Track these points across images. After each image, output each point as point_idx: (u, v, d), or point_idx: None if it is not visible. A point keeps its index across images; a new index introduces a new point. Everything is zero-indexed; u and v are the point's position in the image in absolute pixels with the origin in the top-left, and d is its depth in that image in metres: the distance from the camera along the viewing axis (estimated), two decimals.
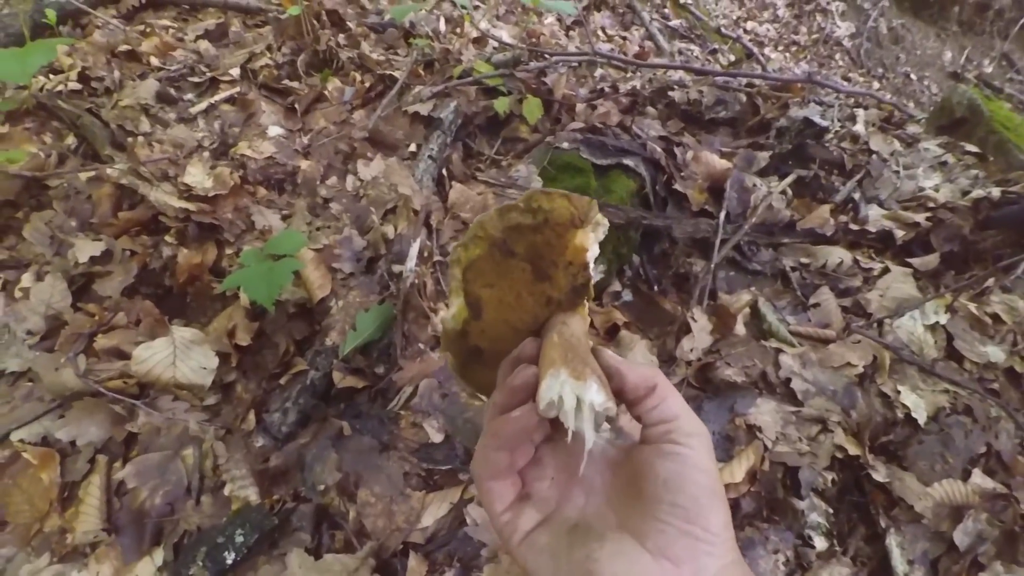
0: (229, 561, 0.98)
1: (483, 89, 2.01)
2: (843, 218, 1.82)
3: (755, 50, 4.58)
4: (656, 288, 1.67)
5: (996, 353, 1.47)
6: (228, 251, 1.44)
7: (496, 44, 2.48)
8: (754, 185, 1.81)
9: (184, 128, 1.77)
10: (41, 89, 1.83)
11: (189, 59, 2.10)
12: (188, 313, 1.40)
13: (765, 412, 1.28)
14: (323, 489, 1.09)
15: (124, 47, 2.09)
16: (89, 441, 1.12)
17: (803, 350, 1.42)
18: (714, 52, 4.27)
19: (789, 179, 1.87)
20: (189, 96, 1.94)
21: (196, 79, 1.99)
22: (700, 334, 1.43)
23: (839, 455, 1.24)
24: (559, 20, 3.34)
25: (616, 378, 0.47)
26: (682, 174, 1.80)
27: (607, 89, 2.20)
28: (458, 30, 2.63)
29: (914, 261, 1.68)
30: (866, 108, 2.49)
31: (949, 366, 1.45)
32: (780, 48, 5.71)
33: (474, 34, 2.58)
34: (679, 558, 0.41)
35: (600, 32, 3.65)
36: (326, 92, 1.96)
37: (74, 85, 1.91)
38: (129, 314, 1.31)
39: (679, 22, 4.40)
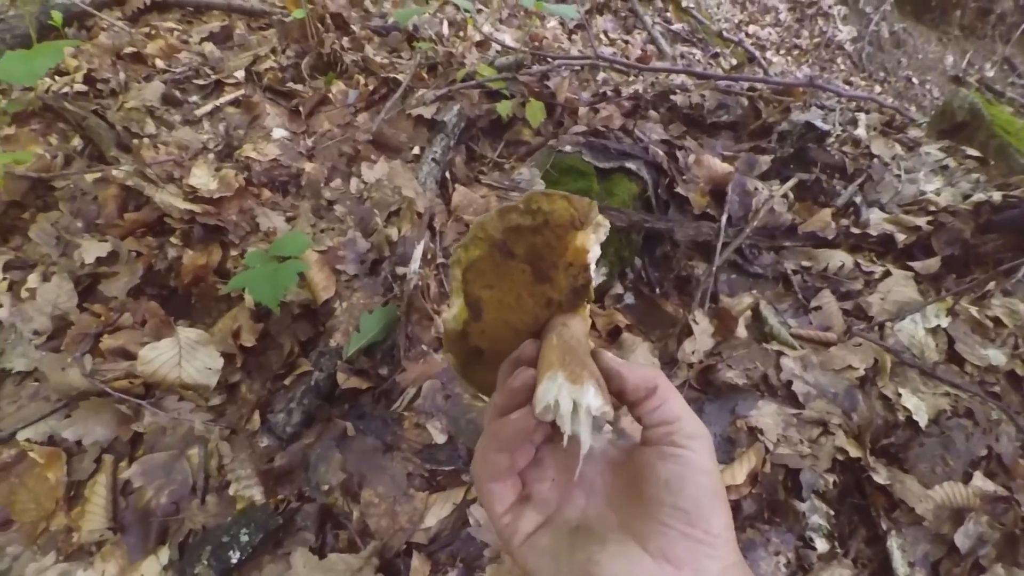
0: (234, 560, 0.99)
1: (486, 92, 2.02)
2: (844, 222, 1.83)
3: (757, 54, 4.59)
4: (658, 291, 1.68)
5: (997, 356, 1.48)
6: (233, 252, 1.45)
7: (499, 48, 2.49)
8: (756, 189, 1.82)
9: (189, 130, 1.78)
10: (47, 91, 1.84)
11: (194, 61, 2.11)
12: (193, 314, 1.41)
13: (766, 414, 1.29)
14: (327, 489, 1.09)
15: (129, 49, 2.10)
16: (95, 440, 1.13)
17: (804, 353, 1.42)
18: (716, 56, 4.29)
19: (790, 183, 1.88)
20: (194, 98, 1.96)
21: (201, 81, 2.00)
22: (702, 336, 1.44)
23: (840, 457, 1.25)
24: (561, 24, 3.36)
25: (616, 380, 0.47)
26: (684, 177, 1.81)
27: (609, 93, 2.21)
28: (461, 33, 2.64)
29: (915, 264, 1.69)
30: (867, 112, 2.50)
31: (950, 369, 1.45)
32: (782, 52, 5.73)
33: (477, 37, 2.60)
34: (680, 560, 0.41)
35: (602, 36, 3.66)
36: (330, 95, 1.97)
37: (80, 87, 1.92)
38: (135, 315, 1.32)
39: (681, 26, 4.42)
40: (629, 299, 1.63)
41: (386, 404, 1.24)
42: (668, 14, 4.49)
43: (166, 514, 1.05)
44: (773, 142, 2.04)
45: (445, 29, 2.58)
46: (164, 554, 1.02)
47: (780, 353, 1.42)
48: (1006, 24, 6.58)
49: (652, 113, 2.13)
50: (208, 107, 1.87)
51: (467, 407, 1.24)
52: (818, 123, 1.99)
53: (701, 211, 1.78)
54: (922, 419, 1.31)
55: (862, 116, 2.37)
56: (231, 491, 1.06)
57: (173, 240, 1.44)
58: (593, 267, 0.52)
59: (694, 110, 2.18)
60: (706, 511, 0.42)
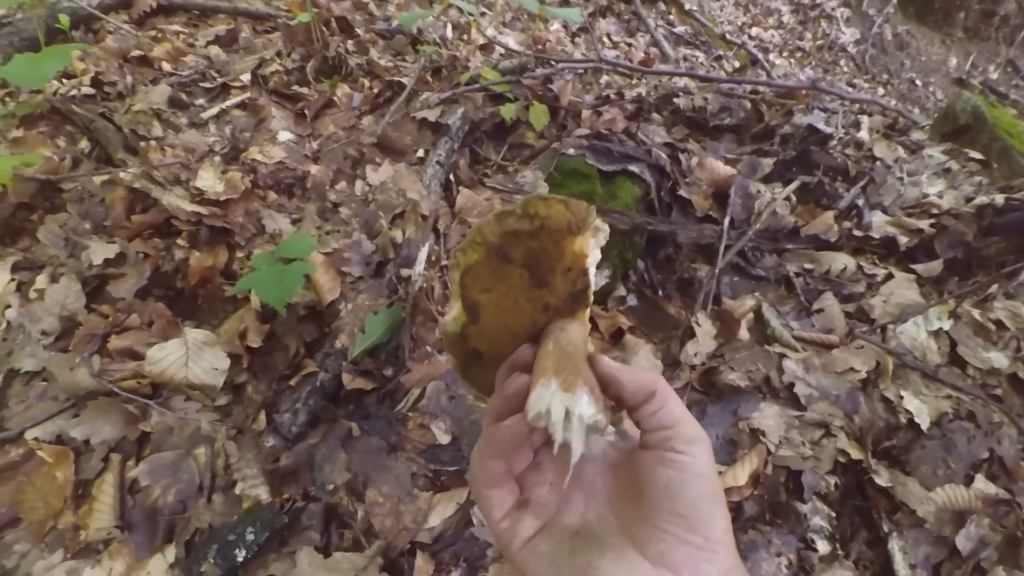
0: (240, 558, 1.00)
1: (490, 96, 2.03)
2: (847, 224, 1.83)
3: (760, 56, 4.60)
4: (661, 293, 1.69)
5: (999, 359, 1.48)
6: (239, 254, 1.46)
7: (503, 51, 2.51)
8: (758, 191, 1.82)
9: (196, 133, 1.80)
10: (55, 93, 1.86)
11: (200, 64, 2.13)
12: (199, 315, 1.42)
13: (768, 416, 1.30)
14: (332, 489, 1.11)
15: (136, 52, 2.12)
16: (103, 440, 1.14)
17: (806, 355, 1.43)
18: (719, 58, 4.30)
19: (793, 185, 1.89)
20: (200, 101, 1.97)
21: (207, 84, 2.02)
22: (704, 339, 1.44)
23: (842, 459, 1.25)
24: (565, 27, 3.37)
25: (614, 385, 0.47)
26: (687, 180, 1.82)
27: (613, 96, 2.22)
28: (465, 37, 2.66)
29: (918, 267, 1.69)
30: (870, 115, 2.50)
31: (952, 372, 1.46)
32: (785, 54, 5.73)
33: (481, 41, 2.61)
34: (679, 566, 0.41)
35: (606, 38, 3.67)
36: (335, 98, 1.99)
37: (87, 90, 1.94)
38: (142, 315, 1.34)
39: (684, 28, 4.43)
40: (632, 301, 1.64)
41: (390, 405, 1.25)
42: (671, 17, 4.50)
43: (173, 513, 1.06)
44: (776, 145, 2.05)
45: (449, 32, 2.60)
46: (171, 552, 1.03)
47: (782, 355, 1.42)
48: (1010, 26, 6.57)
49: (655, 116, 2.14)
50: (214, 110, 1.89)
51: (471, 408, 1.25)
52: (820, 126, 2.00)
53: (704, 214, 1.79)
54: (924, 421, 1.32)
55: (865, 119, 2.37)
56: (237, 490, 1.07)
57: (180, 242, 1.46)
58: (593, 271, 0.52)
59: (697, 113, 2.19)
60: (704, 516, 0.41)
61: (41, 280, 1.41)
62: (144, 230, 1.50)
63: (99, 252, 1.38)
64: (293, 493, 1.10)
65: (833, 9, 6.46)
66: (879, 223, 1.83)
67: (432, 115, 1.89)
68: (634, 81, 2.59)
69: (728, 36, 4.75)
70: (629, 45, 3.71)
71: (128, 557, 1.04)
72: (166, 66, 2.11)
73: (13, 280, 1.41)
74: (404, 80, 2.05)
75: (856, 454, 1.25)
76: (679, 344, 1.45)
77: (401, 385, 1.27)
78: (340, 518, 1.09)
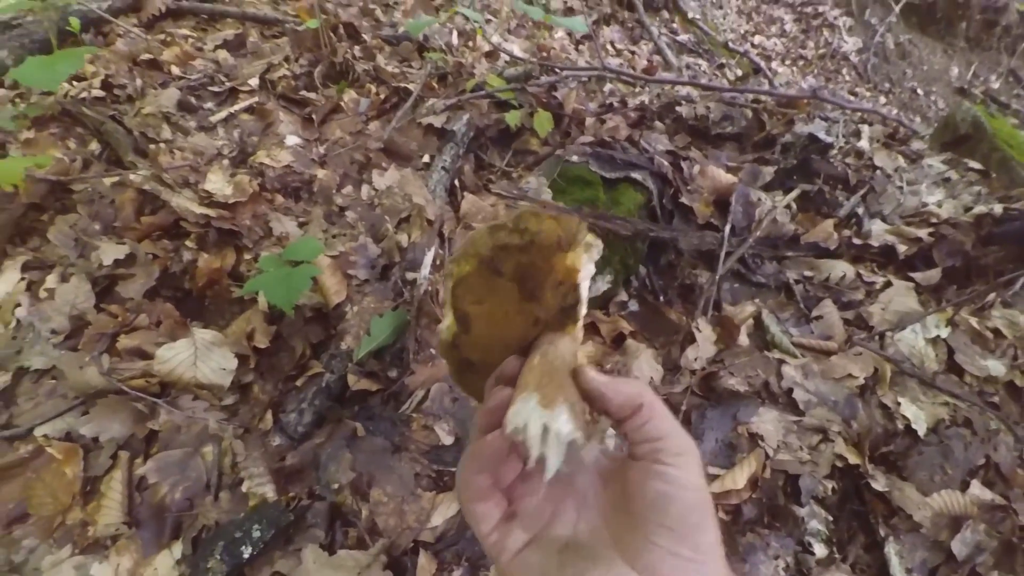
0: (246, 555, 1.01)
1: (495, 102, 2.06)
2: (847, 232, 1.85)
3: (762, 64, 4.63)
4: (662, 298, 1.71)
5: (997, 367, 1.50)
6: (246, 256, 1.48)
7: (508, 58, 2.54)
8: (759, 199, 1.84)
9: (204, 136, 1.82)
10: (65, 96, 1.89)
11: (208, 68, 2.15)
12: (206, 316, 1.44)
13: (767, 421, 1.31)
14: (337, 488, 1.12)
15: (146, 56, 2.14)
16: (112, 437, 1.16)
17: (805, 361, 1.45)
18: (721, 67, 4.32)
19: (794, 194, 1.91)
20: (209, 105, 2.00)
21: (216, 88, 2.05)
22: (704, 344, 1.46)
23: (839, 464, 1.27)
24: (569, 34, 3.40)
25: (600, 400, 0.47)
26: (688, 188, 1.84)
27: (616, 104, 2.25)
28: (470, 43, 2.69)
29: (916, 275, 1.71)
30: (871, 124, 2.52)
31: (950, 379, 1.47)
32: (787, 62, 5.76)
33: (486, 48, 2.64)
34: None
35: (609, 46, 3.70)
36: (342, 103, 2.01)
37: (97, 92, 1.96)
38: (150, 315, 1.35)
39: (687, 36, 4.46)
40: (633, 306, 1.66)
41: (395, 406, 1.27)
42: (674, 25, 4.54)
43: (180, 510, 1.08)
44: (777, 153, 2.07)
45: (455, 39, 2.62)
46: (178, 548, 1.05)
47: (781, 361, 1.44)
48: (1012, 36, 6.60)
49: (658, 124, 2.17)
50: (223, 114, 1.91)
51: (473, 410, 1.26)
52: (821, 135, 2.02)
53: (705, 221, 1.81)
54: (921, 428, 1.33)
55: (865, 128, 2.39)
56: (244, 488, 1.09)
57: (188, 243, 1.48)
58: (586, 286, 0.52)
59: (699, 121, 2.21)
60: (693, 529, 0.42)
61: (51, 280, 1.43)
62: (153, 231, 1.52)
63: (109, 253, 1.40)
64: (299, 492, 1.11)
65: (835, 18, 6.50)
66: (878, 231, 1.85)
67: (438, 121, 1.91)
68: (637, 89, 2.62)
69: (731, 44, 4.78)
70: (632, 53, 3.74)
71: (135, 553, 1.05)
72: (175, 70, 2.14)
73: (23, 279, 1.43)
74: (410, 86, 2.08)
75: (854, 459, 1.27)
76: (680, 349, 1.47)
77: (405, 387, 1.29)
78: (345, 517, 1.11)
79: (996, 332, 1.57)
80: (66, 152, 1.72)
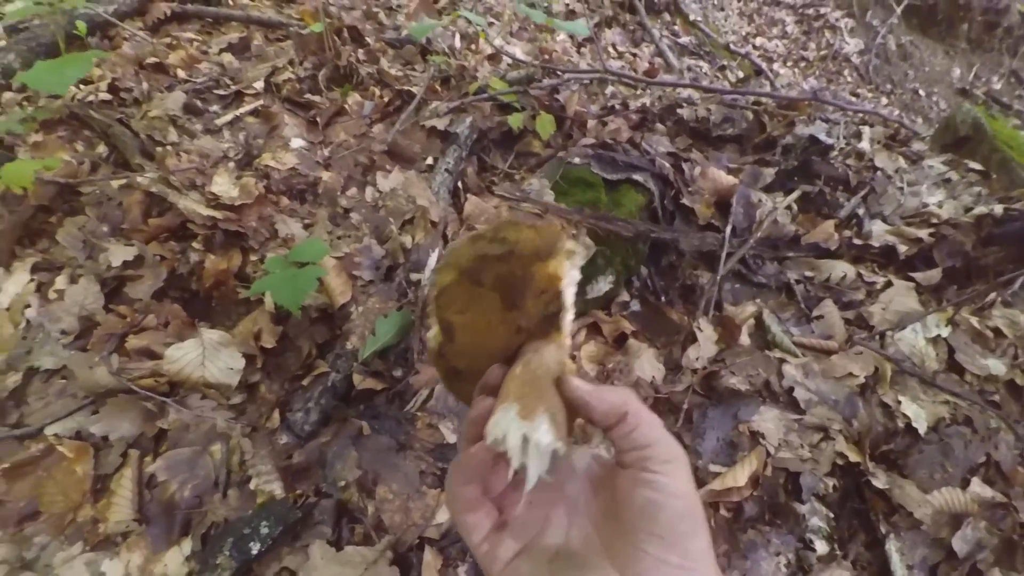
0: (254, 551, 1.03)
1: (498, 105, 2.07)
2: (847, 233, 1.86)
3: (763, 66, 4.64)
4: (663, 299, 1.72)
5: (997, 366, 1.51)
6: (252, 258, 1.50)
7: (510, 61, 2.55)
8: (760, 200, 1.86)
9: (210, 139, 1.84)
10: (72, 99, 1.91)
11: (214, 72, 2.17)
12: (213, 316, 1.46)
13: (768, 419, 1.33)
14: (343, 485, 1.14)
15: (152, 59, 2.17)
16: (121, 436, 1.17)
17: (806, 360, 1.46)
18: (723, 69, 4.34)
19: (794, 195, 1.92)
20: (214, 108, 2.02)
21: (221, 91, 2.06)
22: (706, 343, 1.47)
23: (840, 462, 1.28)
24: (571, 37, 3.42)
25: (583, 409, 0.47)
26: (690, 189, 1.85)
27: (617, 106, 2.26)
28: (473, 46, 2.71)
29: (917, 276, 1.72)
30: (872, 125, 2.53)
31: (950, 378, 1.48)
32: (789, 64, 5.77)
33: (489, 51, 2.66)
34: None
35: (611, 48, 3.72)
36: (346, 106, 2.03)
37: (104, 95, 1.98)
38: (158, 316, 1.37)
39: (688, 39, 4.47)
40: (635, 306, 1.67)
41: (399, 405, 1.29)
42: (676, 27, 4.55)
43: (189, 507, 1.10)
44: (777, 155, 2.08)
45: (457, 42, 2.64)
46: (187, 545, 1.06)
47: (782, 360, 1.45)
48: (1013, 37, 6.61)
49: (659, 126, 2.18)
50: (228, 117, 1.93)
51: None
52: (822, 136, 2.03)
53: (706, 222, 1.82)
54: (921, 426, 1.34)
55: (866, 129, 2.41)
56: (252, 486, 1.11)
57: (195, 245, 1.49)
58: (570, 294, 0.51)
59: (700, 123, 2.23)
60: (681, 536, 0.42)
61: (60, 281, 1.44)
62: (160, 233, 1.54)
63: (118, 254, 1.42)
64: (306, 489, 1.13)
65: (837, 20, 6.51)
66: (879, 232, 1.86)
67: (441, 124, 1.93)
68: (639, 91, 2.63)
69: (732, 46, 4.80)
70: (634, 55, 3.76)
71: (145, 549, 1.07)
72: (181, 73, 2.16)
73: (33, 280, 1.45)
74: (414, 89, 2.10)
75: (854, 457, 1.28)
76: (681, 348, 1.49)
77: (410, 386, 1.30)
78: (351, 514, 1.12)
79: (996, 331, 1.58)
80: (74, 155, 1.74)
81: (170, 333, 1.35)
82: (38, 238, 1.56)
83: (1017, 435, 1.36)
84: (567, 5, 3.85)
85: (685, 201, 1.82)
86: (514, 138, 2.03)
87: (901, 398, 1.39)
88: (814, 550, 1.18)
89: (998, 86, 6.53)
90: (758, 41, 5.73)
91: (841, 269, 1.73)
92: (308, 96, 2.07)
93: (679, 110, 2.26)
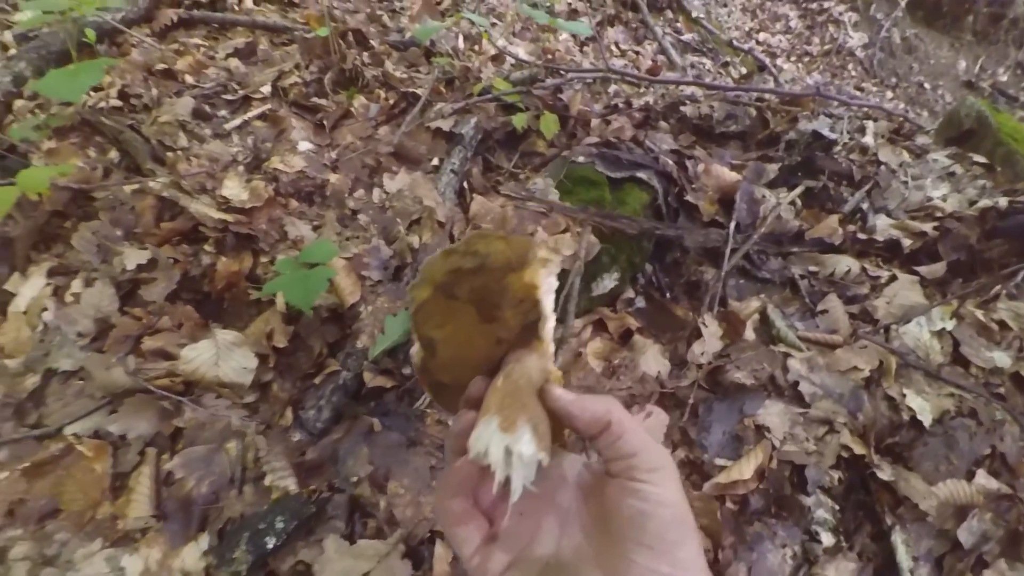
0: (270, 546, 1.05)
1: (502, 105, 2.09)
2: (851, 228, 1.87)
3: (767, 62, 4.64)
4: (668, 295, 1.74)
5: (1002, 358, 1.51)
6: (263, 259, 1.52)
7: (513, 61, 2.57)
8: (763, 196, 1.87)
9: (219, 143, 1.87)
10: (84, 105, 1.94)
11: (221, 77, 2.20)
12: (225, 318, 1.48)
13: (773, 413, 1.34)
14: (356, 481, 1.16)
15: (160, 65, 2.20)
16: (139, 435, 1.20)
17: (811, 355, 1.47)
18: (726, 65, 4.34)
19: (798, 190, 1.93)
20: (223, 112, 2.05)
21: (229, 96, 2.09)
22: (710, 339, 1.49)
23: (845, 455, 1.29)
24: (573, 36, 3.43)
25: (566, 419, 0.47)
26: (693, 186, 1.87)
27: (621, 105, 2.28)
28: (476, 47, 2.73)
29: (921, 269, 1.72)
30: (875, 120, 2.54)
31: (955, 371, 1.49)
32: (792, 59, 5.76)
33: (492, 52, 2.68)
34: None
35: (614, 47, 3.73)
36: (352, 109, 2.06)
37: (115, 102, 2.01)
38: (172, 318, 1.40)
39: (691, 36, 4.48)
40: (640, 303, 1.69)
41: (409, 402, 1.31)
42: (678, 24, 4.56)
43: (206, 503, 1.12)
44: (781, 151, 2.09)
45: (461, 43, 2.66)
46: (204, 540, 1.08)
47: (787, 355, 1.46)
48: (1019, 29, 6.56)
49: (662, 124, 2.20)
50: (237, 121, 1.96)
51: None
52: (825, 132, 2.04)
53: (710, 218, 1.83)
54: (926, 419, 1.35)
55: (870, 124, 2.41)
56: (267, 482, 1.13)
57: (207, 248, 1.52)
58: (549, 300, 0.51)
59: (703, 120, 2.24)
60: (671, 545, 0.42)
61: (76, 284, 1.47)
62: (173, 237, 1.57)
63: (132, 258, 1.45)
64: (319, 485, 1.15)
65: (841, 14, 6.49)
66: (883, 226, 1.86)
67: (446, 125, 1.95)
68: (642, 90, 2.65)
69: (735, 42, 4.80)
70: (637, 53, 3.77)
71: (164, 545, 1.09)
72: (189, 79, 2.19)
73: (49, 284, 1.48)
74: (418, 91, 2.12)
75: (859, 450, 1.29)
76: (686, 344, 1.50)
77: (419, 383, 1.32)
78: (363, 508, 1.15)
79: (1002, 324, 1.59)
80: (87, 161, 1.77)
81: (184, 334, 1.38)
82: (53, 243, 1.59)
83: (1022, 427, 1.37)
84: (569, 4, 3.87)
85: (689, 198, 1.83)
86: (518, 138, 2.05)
87: (906, 391, 1.40)
88: (820, 542, 1.19)
89: (1004, 78, 6.49)
90: (761, 36, 5.72)
91: (845, 264, 1.74)
92: (315, 100, 2.10)
93: (682, 107, 2.27)
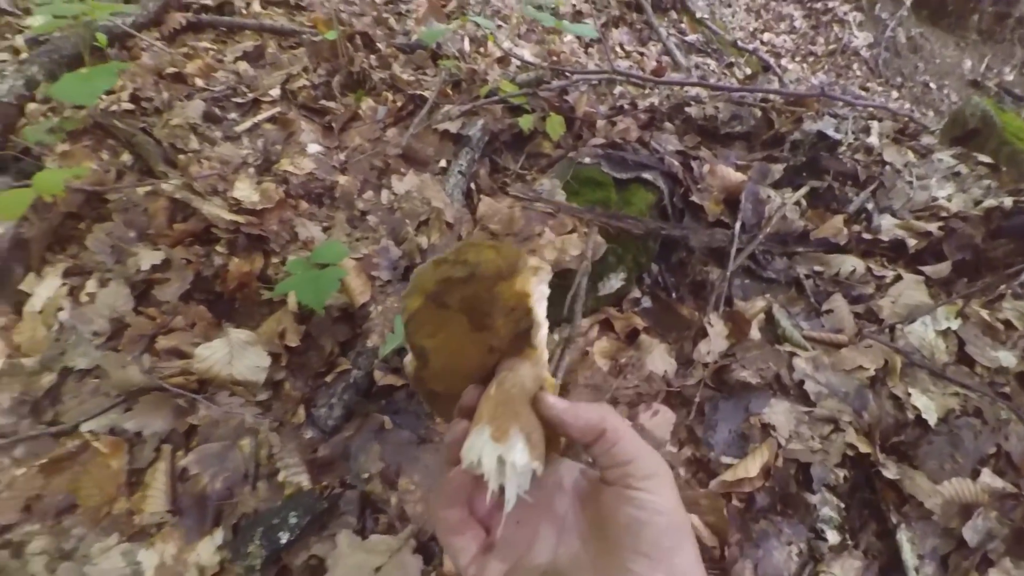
0: (283, 540, 1.07)
1: (508, 107, 2.11)
2: (856, 228, 1.88)
3: (771, 62, 4.64)
4: (674, 295, 1.75)
5: (1008, 358, 1.52)
6: (274, 260, 1.55)
7: (519, 63, 2.59)
8: (768, 197, 1.88)
9: (230, 146, 1.89)
10: (96, 109, 1.96)
11: (230, 80, 2.23)
12: (236, 317, 1.51)
13: (779, 412, 1.35)
14: (367, 477, 1.18)
15: (171, 69, 2.22)
16: (154, 431, 1.22)
17: (816, 354, 1.48)
18: (730, 65, 4.35)
19: (803, 191, 1.94)
20: (233, 115, 2.07)
21: (238, 99, 2.12)
22: (716, 338, 1.50)
23: (850, 453, 1.30)
24: (578, 38, 3.45)
25: (560, 427, 0.47)
26: (699, 187, 1.88)
27: (626, 106, 2.29)
28: (482, 49, 2.75)
29: (926, 269, 1.73)
30: (880, 120, 2.54)
31: (960, 370, 1.49)
32: (797, 59, 5.76)
33: (498, 54, 2.70)
34: None
35: (618, 48, 3.75)
36: (360, 111, 2.08)
37: (127, 105, 2.04)
38: (186, 317, 1.42)
39: (695, 36, 4.49)
40: (646, 303, 1.70)
41: (419, 400, 1.33)
42: (683, 25, 4.57)
43: (221, 498, 1.14)
44: (786, 151, 2.10)
45: (467, 46, 2.68)
46: (219, 535, 1.10)
47: (792, 354, 1.47)
48: None
49: (667, 125, 2.21)
50: (247, 124, 1.99)
51: None
52: (830, 132, 2.05)
53: (715, 219, 1.85)
54: (931, 418, 1.35)
55: (875, 124, 2.42)
56: (280, 478, 1.15)
57: (219, 249, 1.54)
58: (541, 308, 0.51)
59: (708, 121, 2.25)
60: (667, 552, 0.42)
61: (91, 285, 1.50)
62: (185, 238, 1.59)
63: (146, 258, 1.47)
64: (331, 481, 1.17)
65: (845, 14, 6.48)
66: (888, 226, 1.87)
67: (453, 127, 1.97)
68: (647, 91, 2.66)
69: (739, 43, 4.80)
70: (641, 55, 3.78)
71: (179, 539, 1.11)
72: (199, 82, 2.21)
73: (64, 285, 1.50)
74: (425, 93, 2.14)
75: (864, 448, 1.30)
76: (692, 343, 1.51)
77: None
78: (375, 504, 1.16)
79: (1007, 324, 1.59)
80: (100, 163, 1.80)
81: (197, 333, 1.40)
82: (68, 244, 1.61)
83: None
84: (574, 6, 3.89)
85: (694, 198, 1.85)
86: (525, 140, 2.07)
87: (911, 390, 1.40)
88: (825, 540, 1.20)
89: (1010, 77, 6.47)
90: (766, 37, 5.72)
91: (850, 264, 1.75)
92: (323, 102, 2.12)
93: (687, 108, 2.28)
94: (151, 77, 2.18)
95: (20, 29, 2.41)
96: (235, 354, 1.28)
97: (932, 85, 6.33)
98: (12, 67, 2.02)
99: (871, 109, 2.71)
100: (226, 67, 2.35)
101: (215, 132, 1.97)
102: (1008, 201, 1.83)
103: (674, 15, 4.64)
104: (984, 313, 1.60)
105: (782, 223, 1.81)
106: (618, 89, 2.63)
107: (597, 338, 1.52)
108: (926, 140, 2.39)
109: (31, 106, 1.97)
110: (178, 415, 1.24)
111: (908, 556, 1.20)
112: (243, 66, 2.36)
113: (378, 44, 2.47)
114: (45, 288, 1.50)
